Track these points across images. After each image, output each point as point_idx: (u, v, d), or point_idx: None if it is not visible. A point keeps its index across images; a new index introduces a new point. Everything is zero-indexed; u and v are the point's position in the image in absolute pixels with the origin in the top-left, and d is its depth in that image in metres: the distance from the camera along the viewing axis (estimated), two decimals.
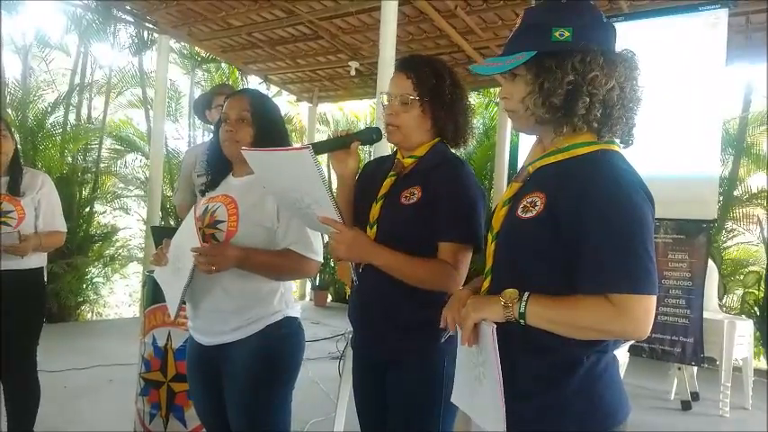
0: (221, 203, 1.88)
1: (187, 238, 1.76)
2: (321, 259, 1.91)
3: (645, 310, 1.08)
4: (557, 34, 1.18)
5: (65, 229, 2.81)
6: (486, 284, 1.29)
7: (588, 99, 1.16)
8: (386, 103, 1.72)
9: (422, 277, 1.59)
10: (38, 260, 2.70)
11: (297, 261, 1.84)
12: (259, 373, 1.82)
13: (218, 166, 2.00)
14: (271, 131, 1.89)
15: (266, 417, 1.85)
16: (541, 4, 1.28)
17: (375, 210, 1.68)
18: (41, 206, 2.68)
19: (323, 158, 1.92)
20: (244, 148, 1.63)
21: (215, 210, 1.87)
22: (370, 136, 1.69)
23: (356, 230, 1.58)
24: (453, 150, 1.79)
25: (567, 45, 1.17)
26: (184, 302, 1.85)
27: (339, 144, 1.66)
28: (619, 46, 1.24)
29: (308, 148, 1.43)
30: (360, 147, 1.69)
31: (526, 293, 1.15)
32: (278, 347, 1.87)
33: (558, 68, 1.17)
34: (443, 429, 1.65)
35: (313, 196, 1.52)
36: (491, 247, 1.29)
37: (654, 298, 1.08)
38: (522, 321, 1.14)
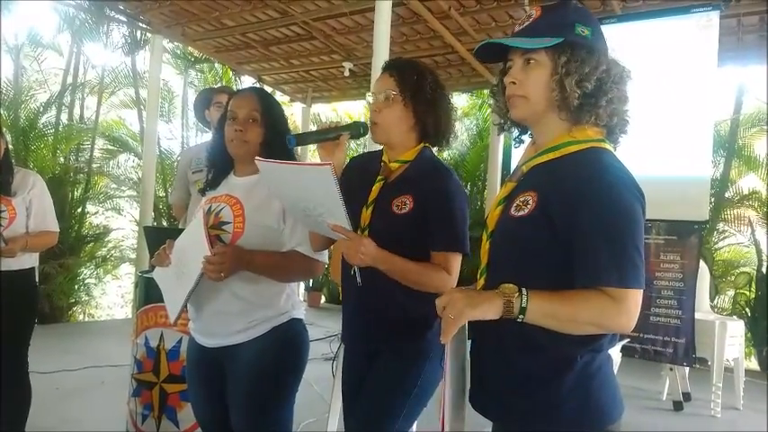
0: (226, 204, 1.85)
1: (194, 243, 1.73)
2: (327, 260, 1.91)
3: (635, 304, 1.11)
4: (579, 30, 1.23)
5: (57, 229, 2.79)
6: (480, 283, 1.30)
7: (615, 92, 1.22)
8: (371, 102, 1.78)
9: (420, 280, 1.67)
10: (29, 260, 2.69)
11: (303, 262, 1.83)
12: (264, 375, 1.81)
13: (221, 164, 1.97)
14: (279, 132, 1.87)
15: (269, 419, 1.83)
16: (559, 3, 1.30)
17: (366, 215, 1.73)
18: (33, 206, 2.67)
19: (312, 147, 1.95)
20: (258, 158, 1.62)
21: (219, 210, 1.84)
22: (358, 129, 1.73)
23: (366, 238, 1.63)
24: (439, 153, 1.86)
25: (587, 41, 1.23)
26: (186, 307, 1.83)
27: (327, 136, 1.69)
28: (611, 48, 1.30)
29: (330, 165, 1.47)
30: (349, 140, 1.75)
31: (525, 289, 1.15)
32: (284, 350, 1.85)
33: (587, 57, 1.21)
34: (401, 428, 1.73)
35: (326, 207, 1.56)
36: (485, 246, 1.30)
37: (641, 292, 1.12)
38: (521, 317, 1.14)
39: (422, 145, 1.79)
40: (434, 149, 1.85)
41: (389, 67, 1.79)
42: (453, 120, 1.82)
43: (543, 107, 1.26)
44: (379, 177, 1.78)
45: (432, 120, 1.75)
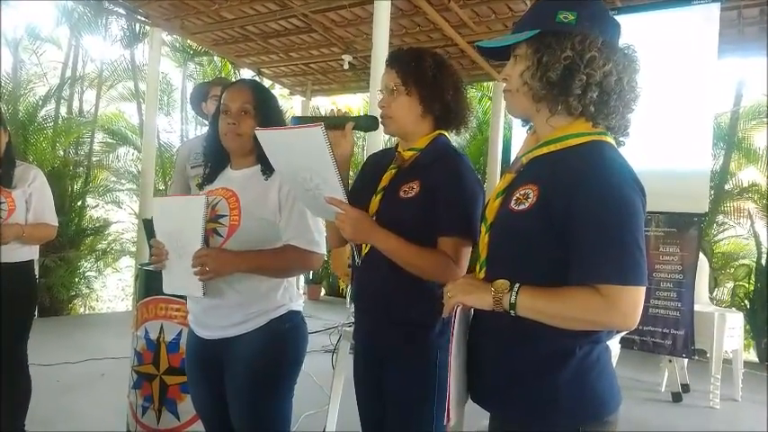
0: (222, 197, 1.84)
1: (192, 228, 1.73)
2: (324, 251, 1.88)
3: (633, 302, 1.08)
4: (561, 17, 1.20)
5: (55, 223, 2.79)
6: (480, 275, 1.29)
7: (585, 78, 1.18)
8: (379, 98, 1.76)
9: (422, 266, 1.60)
10: (28, 253, 2.69)
11: (298, 257, 1.81)
12: (263, 367, 1.81)
13: (217, 158, 1.95)
14: (274, 124, 1.84)
15: (269, 411, 1.83)
16: None
17: (374, 202, 1.69)
18: (32, 199, 2.67)
19: None
20: (257, 128, 1.60)
21: (216, 203, 1.83)
22: (367, 122, 1.70)
23: (361, 212, 1.60)
24: (454, 138, 1.81)
25: (569, 27, 1.20)
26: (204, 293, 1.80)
27: (333, 123, 1.64)
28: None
29: (321, 125, 1.44)
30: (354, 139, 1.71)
31: (516, 285, 1.15)
32: (282, 342, 1.85)
33: (557, 45, 1.19)
34: (438, 424, 1.66)
35: (321, 176, 1.53)
36: (485, 239, 1.29)
37: (642, 289, 1.09)
38: (512, 312, 1.15)
39: (436, 133, 1.75)
40: (451, 136, 1.80)
41: (389, 61, 1.77)
42: (463, 99, 1.77)
43: (525, 100, 1.26)
44: (392, 166, 1.75)
45: (438, 102, 1.72)
